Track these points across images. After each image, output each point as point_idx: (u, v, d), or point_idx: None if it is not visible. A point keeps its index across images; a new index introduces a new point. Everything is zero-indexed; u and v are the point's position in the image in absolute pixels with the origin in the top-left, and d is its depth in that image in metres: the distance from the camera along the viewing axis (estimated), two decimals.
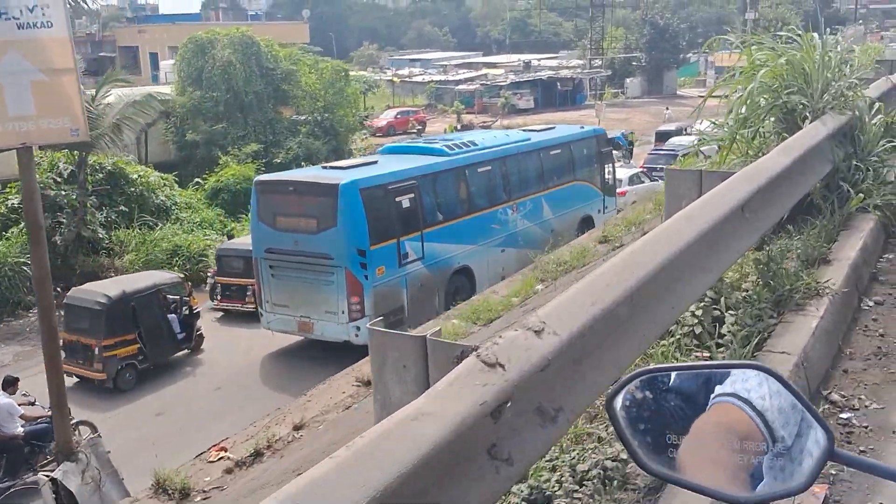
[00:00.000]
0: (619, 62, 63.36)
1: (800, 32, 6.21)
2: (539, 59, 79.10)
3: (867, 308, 4.52)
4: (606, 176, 19.59)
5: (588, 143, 19.31)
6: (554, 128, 20.28)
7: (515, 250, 15.33)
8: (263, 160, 30.32)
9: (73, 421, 10.82)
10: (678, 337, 3.32)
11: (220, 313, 17.18)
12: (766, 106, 5.41)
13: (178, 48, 34.14)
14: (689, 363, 2.35)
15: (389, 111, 47.15)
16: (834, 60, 5.86)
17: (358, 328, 12.83)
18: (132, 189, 20.99)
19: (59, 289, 18.62)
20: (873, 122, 5.91)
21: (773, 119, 5.41)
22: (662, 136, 34.91)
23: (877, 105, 6.13)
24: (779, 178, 3.90)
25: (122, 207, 20.57)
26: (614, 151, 22.17)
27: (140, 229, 20.12)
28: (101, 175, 20.70)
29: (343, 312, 13.00)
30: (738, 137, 5.29)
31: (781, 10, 72.73)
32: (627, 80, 61.90)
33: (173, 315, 14.70)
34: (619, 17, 72.46)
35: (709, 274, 2.80)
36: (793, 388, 1.42)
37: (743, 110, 5.63)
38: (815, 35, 6.16)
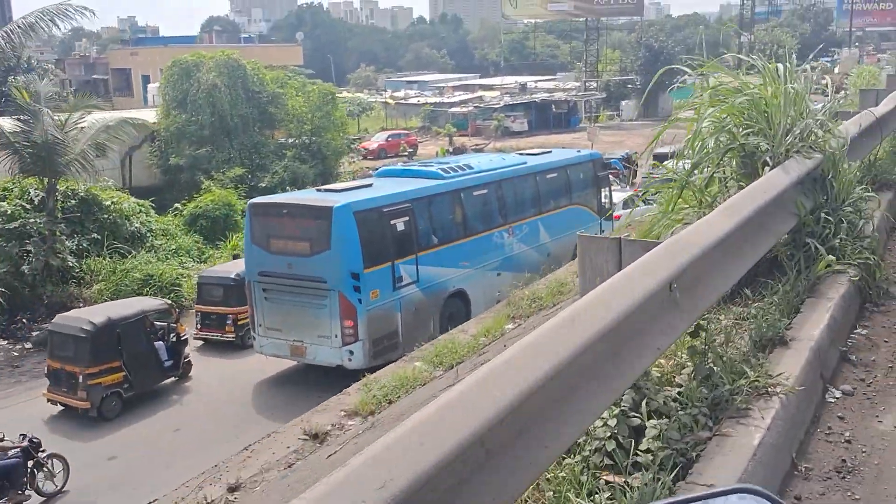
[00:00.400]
0: (614, 85, 63.17)
1: (764, 62, 5.59)
2: (536, 82, 79.07)
3: (833, 401, 3.75)
4: (603, 200, 19.62)
5: (584, 168, 19.36)
6: (550, 152, 20.35)
7: (511, 274, 15.04)
8: (248, 185, 29.86)
9: (45, 454, 10.81)
10: (587, 454, 2.64)
11: (201, 343, 16.74)
12: (720, 148, 4.82)
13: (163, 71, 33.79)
14: (681, 498, 2.09)
15: (381, 134, 46.73)
16: (802, 94, 5.24)
17: (351, 352, 12.79)
18: (105, 216, 20.38)
19: (24, 319, 18.13)
20: (848, 164, 5.28)
21: (735, 162, 4.82)
22: (660, 158, 34.60)
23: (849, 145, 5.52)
24: (719, 246, 3.24)
25: (95, 235, 19.95)
26: (611, 175, 22.11)
27: (111, 258, 19.48)
28: (73, 202, 20.12)
29: (336, 336, 12.90)
30: (688, 184, 4.71)
31: (777, 32, 72.66)
32: (622, 103, 61.63)
33: (160, 342, 14.48)
34: (615, 39, 72.53)
35: (617, 381, 2.21)
36: None
37: (693, 152, 5.07)
38: (780, 66, 5.52)
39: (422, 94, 77.16)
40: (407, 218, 13.89)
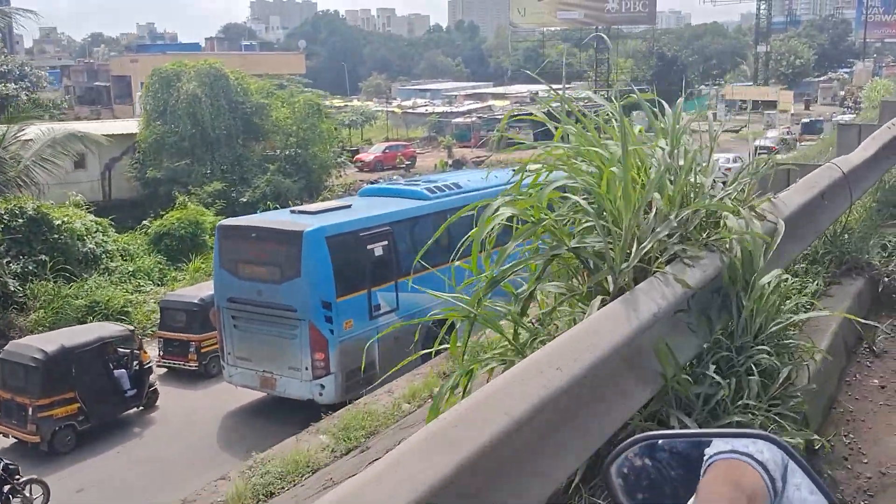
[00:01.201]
0: (623, 94, 61.43)
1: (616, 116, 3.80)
2: (547, 91, 77.30)
3: None
4: None
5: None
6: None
7: (502, 298, 13.73)
8: (228, 199, 28.57)
9: (22, 479, 10.41)
10: None
11: (164, 370, 15.91)
12: (537, 255, 3.20)
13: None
14: (691, 430, 2.29)
15: (378, 146, 45.17)
16: (686, 167, 3.50)
17: (322, 386, 12.16)
18: (56, 236, 19.02)
19: None
20: (771, 273, 3.22)
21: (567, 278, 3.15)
22: None
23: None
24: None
25: (43, 256, 18.59)
26: None
27: (55, 282, 18.09)
28: (21, 220, 18.80)
29: (307, 369, 12.22)
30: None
31: (793, 43, 70.53)
32: (633, 114, 59.80)
33: (122, 370, 13.68)
34: (630, 48, 70.70)
35: None
36: (797, 457, 1.44)
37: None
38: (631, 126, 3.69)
39: (431, 102, 75.91)
40: (386, 242, 13.11)
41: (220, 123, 29.41)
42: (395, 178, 40.35)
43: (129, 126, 32.71)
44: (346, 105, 71.82)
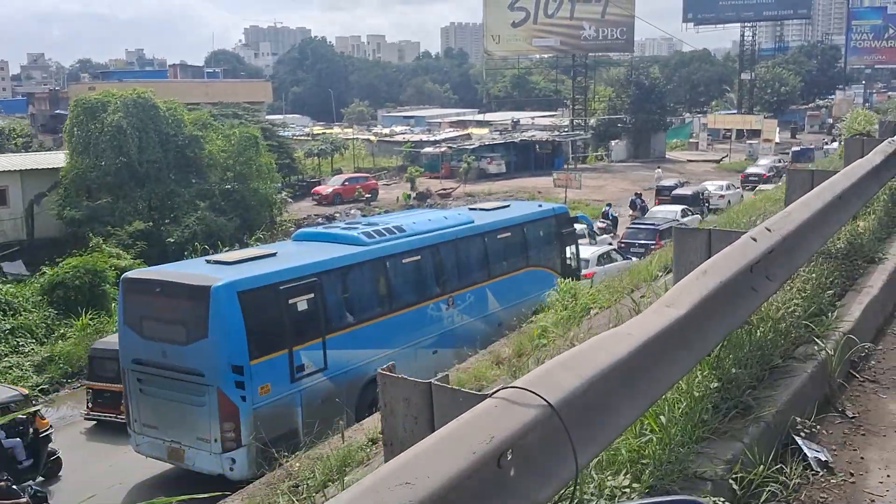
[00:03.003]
0: (605, 123, 59.65)
1: None
2: (533, 118, 75.86)
3: None
4: (568, 259, 18.05)
5: (546, 224, 17.74)
6: (508, 205, 18.63)
7: (452, 350, 13.25)
8: (155, 240, 26.38)
9: None
10: None
11: (92, 423, 15.14)
12: None
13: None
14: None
15: (338, 177, 43.04)
16: None
17: (233, 460, 10.98)
18: None
19: None
20: None
21: None
22: (662, 191, 35.03)
23: None
24: None
25: None
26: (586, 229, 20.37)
27: None
28: None
29: (216, 441, 11.07)
30: None
31: (778, 70, 68.89)
32: (612, 143, 57.99)
33: (16, 439, 12.40)
34: (613, 76, 69.08)
35: None
36: None
37: None
38: None
39: (411, 130, 74.12)
40: (312, 295, 11.98)
41: (149, 157, 27.29)
42: (353, 212, 38.21)
43: (58, 159, 30.57)
44: (324, 133, 70.06)
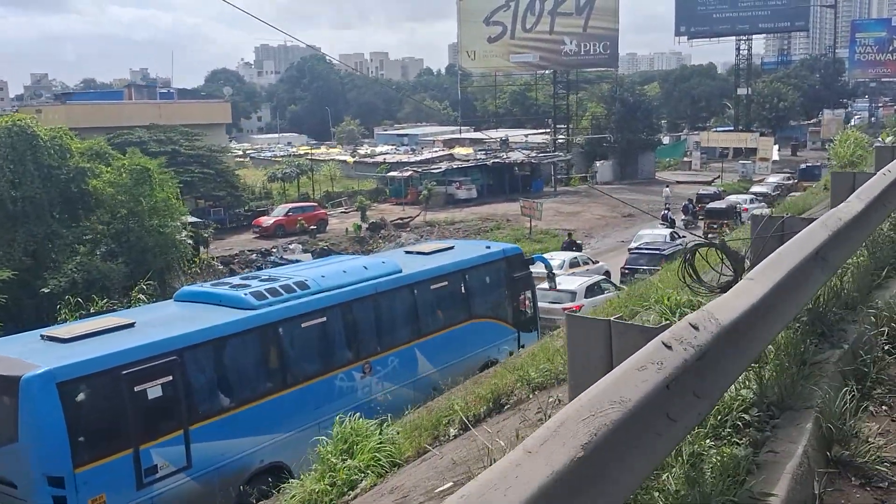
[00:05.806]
0: (591, 143, 55.94)
1: None
2: (526, 135, 72.38)
3: None
4: (522, 307, 16.11)
5: (494, 268, 15.71)
6: (452, 247, 16.49)
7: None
8: (26, 290, 22.88)
9: None
10: None
11: None
12: None
13: None
14: None
15: (281, 207, 39.51)
16: None
17: None
18: None
19: None
20: None
21: None
22: (703, 199, 38.11)
23: None
24: None
25: None
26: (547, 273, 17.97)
27: None
28: None
29: None
30: None
31: (776, 85, 64.81)
32: (597, 164, 54.20)
33: None
34: (596, 92, 65.49)
35: None
36: None
37: None
38: None
39: (395, 150, 70.87)
40: (170, 377, 9.82)
41: (26, 193, 23.88)
42: (292, 247, 34.70)
43: None
44: (310, 153, 66.92)
